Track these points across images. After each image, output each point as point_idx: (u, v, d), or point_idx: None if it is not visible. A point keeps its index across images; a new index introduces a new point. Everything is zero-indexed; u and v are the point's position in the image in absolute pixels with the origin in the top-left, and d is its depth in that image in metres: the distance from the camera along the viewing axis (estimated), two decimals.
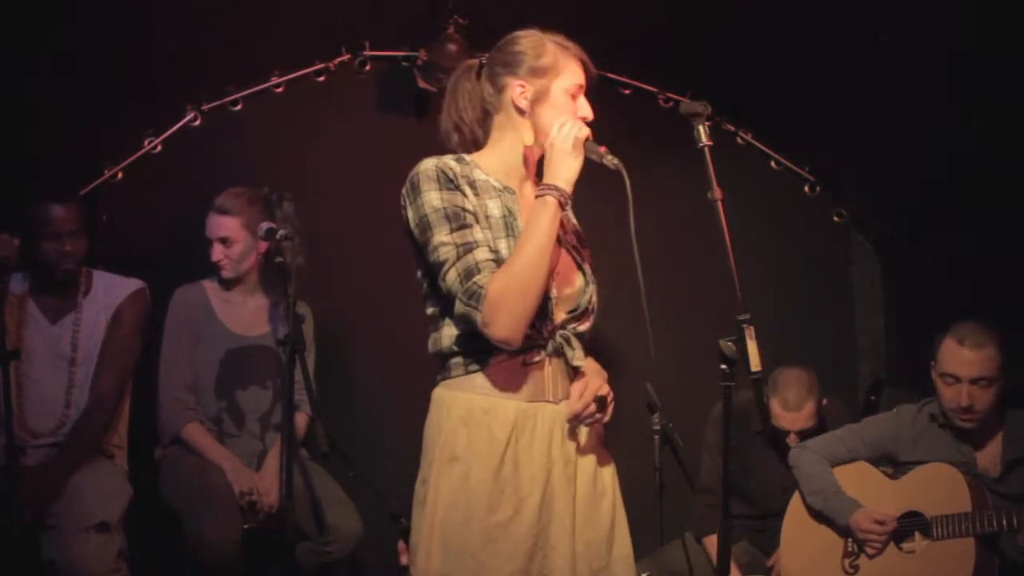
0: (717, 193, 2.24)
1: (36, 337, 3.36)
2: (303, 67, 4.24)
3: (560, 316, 2.33)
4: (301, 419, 3.65)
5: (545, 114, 2.34)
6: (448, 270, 2.21)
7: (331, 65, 4.26)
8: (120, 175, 4.08)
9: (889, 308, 4.68)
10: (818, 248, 4.72)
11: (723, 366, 2.25)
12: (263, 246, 3.57)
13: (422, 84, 4.14)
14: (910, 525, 3.28)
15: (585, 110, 2.37)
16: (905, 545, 3.29)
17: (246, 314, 3.68)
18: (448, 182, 2.26)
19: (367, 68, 4.29)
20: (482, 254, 2.21)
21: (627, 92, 4.50)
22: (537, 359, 2.30)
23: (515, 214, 2.30)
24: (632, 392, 4.24)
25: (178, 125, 4.14)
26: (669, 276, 4.46)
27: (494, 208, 2.29)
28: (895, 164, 4.16)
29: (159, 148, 4.13)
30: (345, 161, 4.23)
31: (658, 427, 4.22)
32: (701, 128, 2.27)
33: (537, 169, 2.41)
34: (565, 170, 2.25)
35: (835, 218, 4.72)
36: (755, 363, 2.19)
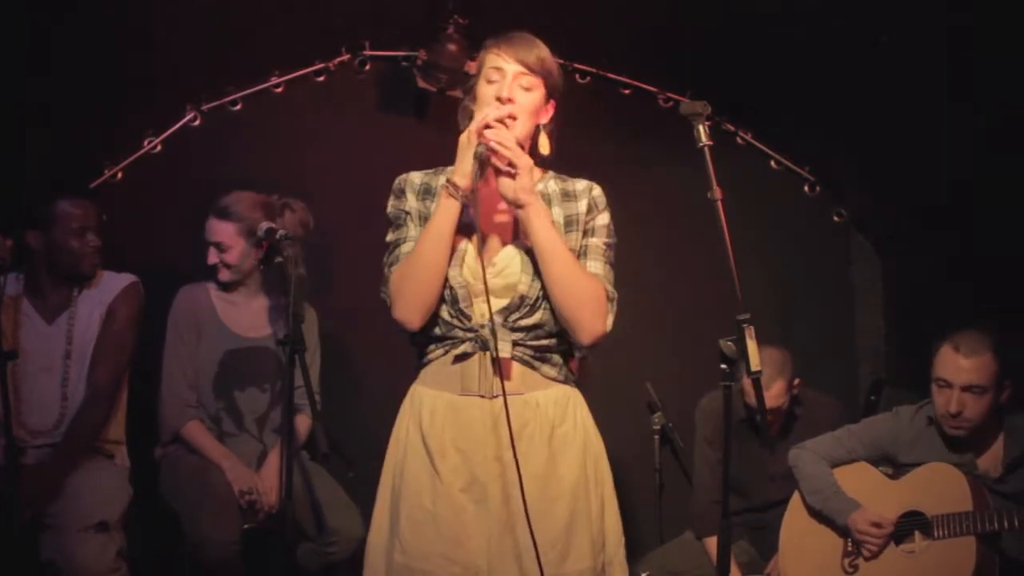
0: (717, 193, 2.24)
1: (32, 338, 3.36)
2: (303, 67, 4.24)
3: (484, 307, 2.32)
4: (303, 422, 3.64)
5: (476, 112, 2.42)
6: (385, 265, 2.45)
7: (331, 65, 4.27)
8: (120, 175, 4.08)
9: (889, 308, 4.68)
10: (818, 248, 4.72)
11: (723, 366, 2.25)
12: (263, 248, 3.57)
13: (422, 84, 4.14)
14: (910, 525, 3.28)
15: (499, 90, 2.37)
16: (905, 545, 3.29)
17: (248, 315, 3.68)
18: (399, 192, 2.49)
19: (367, 68, 4.29)
20: (406, 247, 2.42)
21: (627, 92, 4.50)
22: (464, 352, 2.36)
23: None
24: (632, 392, 4.26)
25: (178, 125, 4.14)
26: (669, 276, 4.47)
27: (434, 210, 2.42)
28: (895, 164, 4.16)
29: (159, 148, 4.13)
30: (345, 161, 4.23)
31: (658, 427, 4.23)
32: (701, 128, 2.27)
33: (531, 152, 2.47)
34: (459, 164, 2.35)
35: (835, 218, 4.72)
36: (755, 363, 2.19)
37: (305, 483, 3.47)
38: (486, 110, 2.35)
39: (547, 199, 2.45)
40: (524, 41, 2.42)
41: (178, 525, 3.35)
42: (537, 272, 2.36)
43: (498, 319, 2.33)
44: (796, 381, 3.75)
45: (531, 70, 2.39)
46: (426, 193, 2.46)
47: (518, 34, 2.44)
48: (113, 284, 3.50)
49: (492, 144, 2.30)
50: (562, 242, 2.36)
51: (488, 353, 2.33)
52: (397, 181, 2.51)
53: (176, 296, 3.64)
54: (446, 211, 2.34)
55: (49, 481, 3.20)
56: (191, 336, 3.60)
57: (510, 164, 2.31)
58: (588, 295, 2.36)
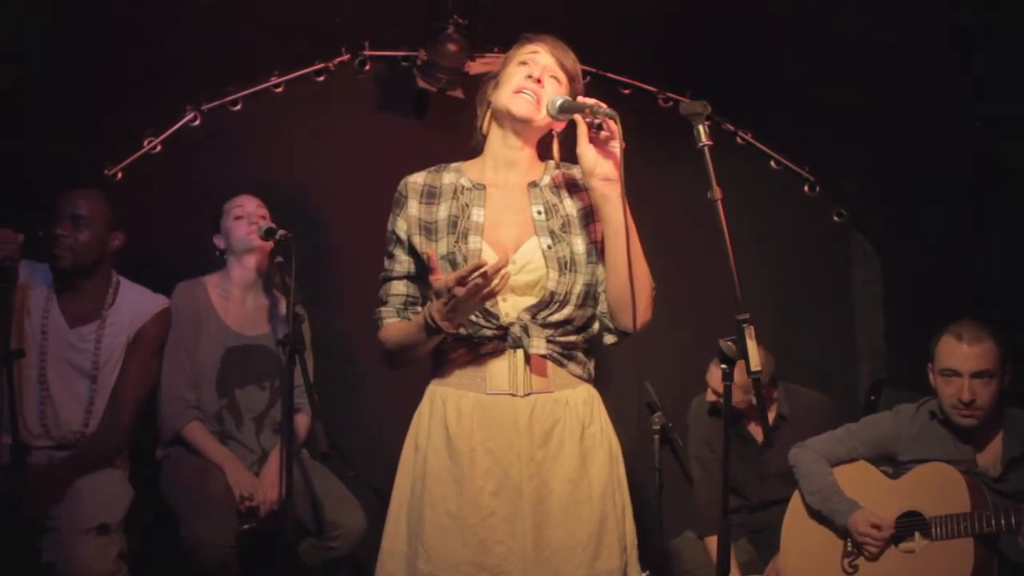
0: (717, 193, 2.23)
1: (52, 339, 3.33)
2: (303, 67, 4.24)
3: (515, 305, 2.31)
4: (302, 421, 3.64)
5: (496, 94, 2.42)
6: (379, 288, 2.47)
7: (331, 65, 4.27)
8: (120, 175, 4.08)
9: (889, 308, 4.68)
10: (818, 248, 4.72)
11: (723, 366, 2.25)
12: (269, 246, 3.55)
13: (421, 84, 4.14)
14: (909, 525, 3.28)
15: (531, 71, 2.38)
16: (904, 545, 3.29)
17: (245, 312, 3.67)
18: (398, 202, 2.45)
19: (367, 68, 4.30)
20: (394, 288, 2.43)
21: (627, 92, 4.50)
22: (495, 351, 2.32)
23: (468, 212, 2.37)
24: (632, 392, 4.26)
25: (178, 125, 4.14)
26: (669, 276, 4.45)
27: (442, 212, 2.40)
28: (895, 164, 4.17)
29: (159, 148, 4.13)
30: (345, 161, 4.23)
31: (658, 427, 4.23)
32: (701, 128, 2.26)
33: (539, 149, 2.47)
34: (457, 313, 2.24)
35: (835, 218, 4.73)
36: (755, 363, 2.18)
37: (305, 480, 3.46)
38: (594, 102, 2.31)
39: (555, 190, 2.43)
40: (560, 43, 2.45)
41: (177, 526, 3.35)
42: (564, 267, 2.33)
43: (526, 316, 2.31)
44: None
45: (563, 68, 2.41)
46: (429, 196, 2.42)
47: (557, 38, 2.45)
48: (144, 306, 3.47)
49: (608, 110, 2.26)
50: (634, 225, 2.34)
51: (519, 351, 2.31)
52: (398, 188, 2.45)
53: (174, 292, 3.61)
54: (427, 338, 2.31)
55: (57, 482, 3.20)
56: (191, 333, 3.58)
57: (608, 138, 2.28)
58: (647, 281, 2.37)
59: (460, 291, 2.17)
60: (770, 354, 3.77)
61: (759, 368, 2.20)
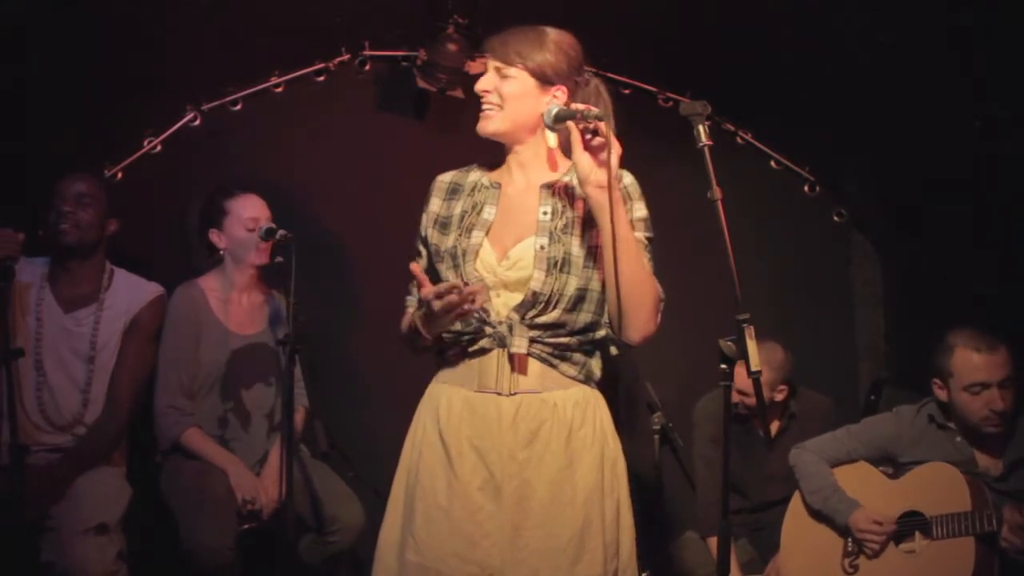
0: (717, 193, 2.23)
1: (47, 325, 3.34)
2: (303, 67, 4.24)
3: (506, 302, 2.32)
4: (299, 415, 3.64)
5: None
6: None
7: (331, 65, 4.27)
8: (120, 175, 4.08)
9: (889, 308, 4.68)
10: (818, 248, 4.72)
11: (723, 366, 2.25)
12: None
13: (421, 84, 4.14)
14: (910, 525, 3.28)
15: (480, 82, 2.41)
16: (905, 545, 3.29)
17: (242, 312, 3.66)
18: (426, 200, 2.50)
19: (367, 68, 4.30)
20: (413, 297, 2.48)
21: (627, 92, 4.50)
22: (482, 349, 2.34)
23: (480, 209, 2.40)
24: (632, 392, 4.26)
25: (178, 125, 4.14)
26: (669, 276, 4.45)
27: (458, 208, 2.44)
28: (895, 164, 4.17)
29: (159, 148, 4.13)
30: (345, 161, 4.23)
31: (658, 427, 4.23)
32: (701, 128, 2.26)
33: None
34: (432, 325, 2.32)
35: (835, 218, 4.73)
36: (755, 363, 2.18)
37: (305, 476, 3.46)
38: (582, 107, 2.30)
39: (568, 191, 2.39)
40: (500, 38, 2.41)
41: (177, 527, 3.35)
42: (553, 268, 2.30)
43: (515, 316, 2.31)
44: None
45: (507, 63, 2.38)
46: (453, 193, 2.46)
47: (499, 34, 2.43)
48: (139, 294, 3.48)
49: (596, 112, 2.24)
50: (633, 235, 2.29)
51: (506, 349, 2.31)
52: (430, 186, 2.51)
53: (173, 297, 3.58)
54: (416, 337, 2.39)
55: (57, 482, 3.20)
56: (190, 339, 3.55)
57: (603, 144, 2.23)
58: (650, 293, 2.30)
59: (437, 304, 2.22)
60: (788, 352, 3.77)
61: (759, 368, 2.20)
